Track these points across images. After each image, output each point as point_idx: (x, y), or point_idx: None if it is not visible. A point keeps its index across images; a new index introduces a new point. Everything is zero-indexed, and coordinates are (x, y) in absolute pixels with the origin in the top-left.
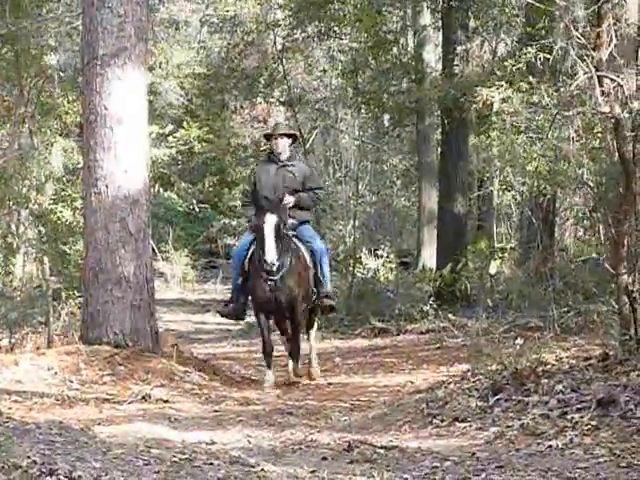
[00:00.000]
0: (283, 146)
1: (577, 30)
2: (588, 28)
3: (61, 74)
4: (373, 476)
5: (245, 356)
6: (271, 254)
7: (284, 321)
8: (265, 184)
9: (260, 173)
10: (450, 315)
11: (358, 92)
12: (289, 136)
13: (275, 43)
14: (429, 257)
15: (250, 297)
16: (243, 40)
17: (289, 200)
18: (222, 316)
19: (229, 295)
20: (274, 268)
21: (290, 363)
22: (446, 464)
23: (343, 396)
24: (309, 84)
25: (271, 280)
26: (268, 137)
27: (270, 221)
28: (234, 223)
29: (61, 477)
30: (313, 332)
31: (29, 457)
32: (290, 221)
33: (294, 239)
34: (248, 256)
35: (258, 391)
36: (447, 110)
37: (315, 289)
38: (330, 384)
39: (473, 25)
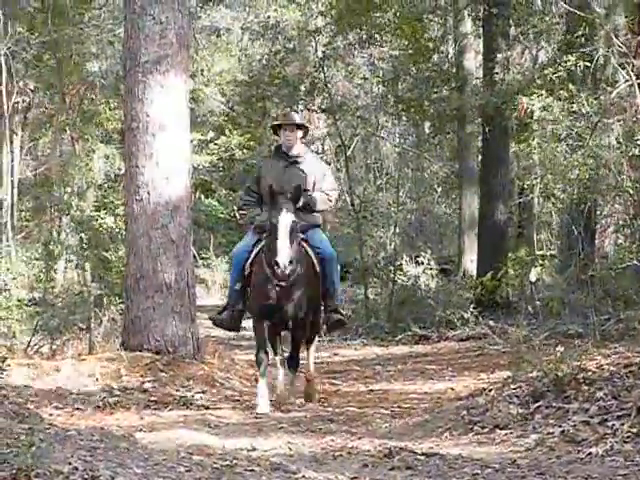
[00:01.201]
0: (293, 139)
1: (618, 38)
2: (629, 36)
3: (103, 81)
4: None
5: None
6: (284, 256)
7: (280, 330)
8: (273, 182)
9: (266, 170)
10: (491, 322)
11: (399, 99)
12: (300, 127)
13: (316, 50)
14: (470, 264)
15: (251, 302)
16: (284, 47)
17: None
18: (214, 324)
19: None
20: (287, 271)
21: (280, 374)
22: (487, 471)
23: (384, 403)
24: (350, 91)
25: (280, 286)
26: (276, 129)
27: (285, 221)
28: None
29: None
30: (313, 347)
31: (70, 463)
32: (303, 225)
33: (304, 244)
34: (251, 259)
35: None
36: (488, 117)
37: (322, 301)
38: (371, 391)
39: (514, 33)
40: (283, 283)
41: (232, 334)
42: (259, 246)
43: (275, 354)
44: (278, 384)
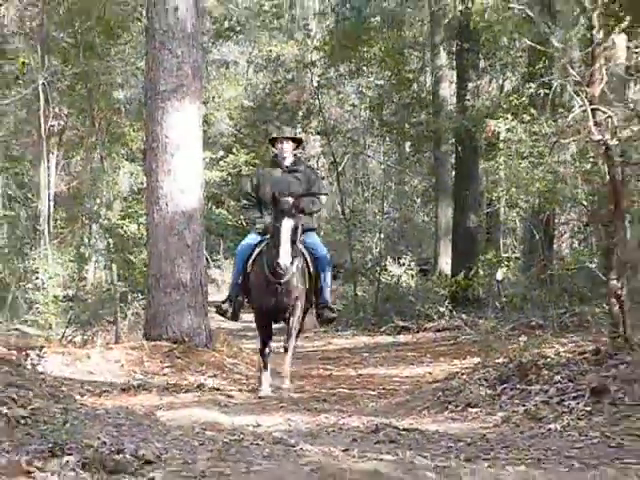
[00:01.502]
0: (288, 150)
1: (573, 69)
2: (583, 67)
3: (127, 107)
4: (397, 454)
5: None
6: (285, 258)
7: (276, 321)
8: (270, 189)
9: (265, 177)
10: (463, 315)
11: (383, 123)
12: (294, 140)
13: (312, 80)
14: (445, 265)
15: (251, 297)
16: (284, 78)
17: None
18: (217, 312)
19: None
20: (287, 272)
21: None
22: (460, 444)
23: (370, 385)
24: (341, 116)
25: (278, 284)
26: (273, 141)
27: (288, 226)
28: None
29: (127, 455)
30: (293, 344)
31: (99, 438)
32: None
33: (300, 245)
34: (252, 257)
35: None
36: (460, 138)
37: (315, 298)
38: (359, 375)
39: (483, 65)
40: (280, 280)
41: (239, 326)
42: (261, 246)
43: (265, 368)
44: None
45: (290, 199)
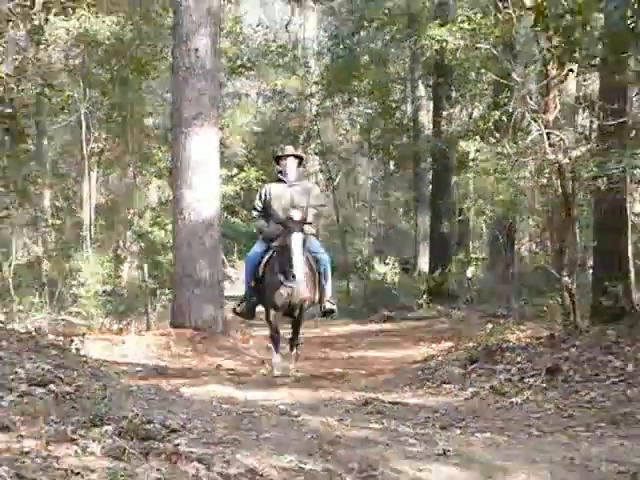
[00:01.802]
0: (291, 167)
1: (531, 99)
2: (539, 98)
3: (155, 132)
4: (383, 424)
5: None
6: (300, 271)
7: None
8: (277, 202)
9: (271, 192)
10: (438, 306)
11: (371, 145)
12: (296, 157)
13: (311, 109)
14: (423, 264)
15: (265, 298)
16: (287, 107)
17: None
18: (235, 314)
19: (242, 295)
20: (301, 284)
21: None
22: (436, 415)
23: (361, 366)
24: (336, 139)
25: (290, 286)
26: (278, 159)
27: (298, 241)
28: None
29: (156, 425)
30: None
31: (133, 410)
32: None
33: (305, 251)
34: (264, 263)
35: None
36: (436, 157)
37: (319, 294)
38: (351, 357)
39: (455, 95)
40: (293, 285)
41: None
42: (269, 253)
43: (276, 352)
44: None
45: (299, 214)
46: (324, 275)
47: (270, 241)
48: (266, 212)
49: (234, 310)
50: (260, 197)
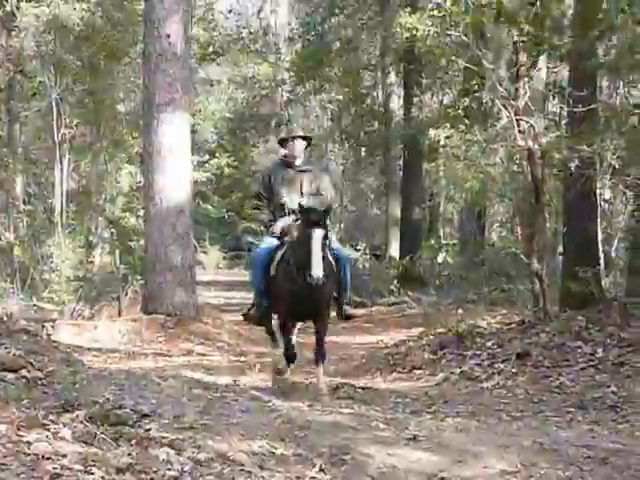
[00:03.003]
0: (299, 149)
1: (501, 86)
2: (509, 84)
3: (127, 118)
4: (354, 408)
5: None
6: (318, 270)
7: (302, 321)
8: (284, 189)
9: (276, 177)
10: (409, 292)
11: (342, 131)
12: (304, 138)
13: (282, 96)
14: (394, 250)
15: (279, 301)
16: (259, 93)
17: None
18: (246, 320)
19: (252, 299)
20: (320, 282)
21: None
22: (406, 400)
23: (332, 350)
24: (307, 126)
25: (308, 288)
26: (283, 141)
27: (318, 236)
28: (253, 226)
29: (127, 410)
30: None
31: (104, 396)
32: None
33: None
34: (276, 261)
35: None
36: (407, 144)
37: (337, 295)
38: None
39: (425, 82)
40: (313, 285)
41: (222, 301)
42: (282, 250)
43: (289, 359)
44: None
45: (313, 202)
46: (344, 276)
47: (280, 236)
48: (269, 201)
49: (244, 316)
50: (263, 183)
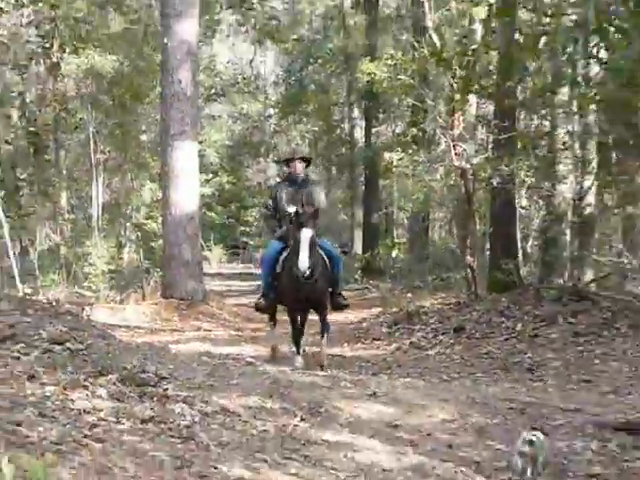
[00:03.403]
0: (301, 168)
1: (440, 118)
2: (447, 117)
3: (148, 145)
4: (327, 372)
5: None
6: (304, 264)
7: (307, 312)
8: (288, 200)
9: (282, 191)
10: (370, 280)
11: (318, 155)
12: (304, 160)
13: (270, 127)
14: (358, 248)
15: (284, 294)
16: (251, 126)
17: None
18: (257, 310)
19: (261, 292)
20: (306, 274)
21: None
22: (368, 364)
23: (308, 327)
24: (291, 152)
25: (307, 283)
26: (288, 160)
27: (306, 235)
28: (248, 229)
29: (150, 374)
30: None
31: (131, 363)
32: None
33: (319, 249)
34: (281, 260)
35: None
36: (367, 165)
37: (331, 288)
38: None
39: (382, 116)
40: (310, 279)
41: (224, 288)
42: (286, 252)
43: (298, 353)
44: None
45: (306, 210)
46: (336, 272)
47: (286, 240)
48: (275, 210)
49: (255, 306)
50: (272, 196)
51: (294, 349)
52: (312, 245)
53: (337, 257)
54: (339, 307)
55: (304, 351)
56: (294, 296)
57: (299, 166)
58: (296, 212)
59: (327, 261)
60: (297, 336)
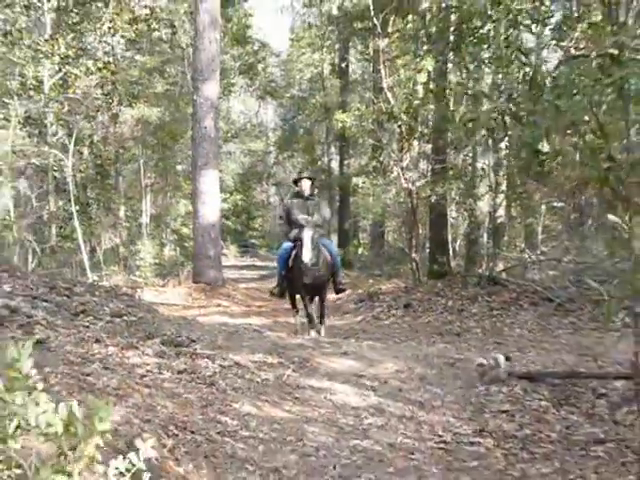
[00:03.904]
0: (307, 186)
1: (393, 154)
2: (398, 153)
3: (183, 173)
4: (311, 335)
5: (263, 288)
6: (307, 256)
7: (313, 298)
8: (297, 211)
9: (293, 204)
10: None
11: None
12: (310, 179)
13: (270, 160)
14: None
15: (295, 282)
16: (256, 159)
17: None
18: (271, 295)
19: (276, 282)
20: (309, 265)
21: (315, 324)
22: (341, 331)
23: (300, 305)
24: (284, 177)
25: (313, 271)
26: (297, 180)
27: (308, 234)
28: (254, 233)
29: (184, 338)
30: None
31: (170, 330)
32: (316, 235)
33: (322, 247)
34: (292, 256)
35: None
36: (341, 187)
37: (332, 278)
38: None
39: (351, 152)
40: (315, 270)
41: (237, 276)
42: (295, 249)
43: (310, 322)
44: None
45: (309, 218)
46: (337, 265)
47: (295, 240)
48: (289, 219)
49: (271, 292)
50: (285, 209)
51: (306, 324)
52: (314, 242)
53: (336, 252)
54: (339, 291)
55: (315, 324)
56: (302, 282)
57: (304, 184)
58: (303, 219)
59: (328, 256)
60: (309, 314)
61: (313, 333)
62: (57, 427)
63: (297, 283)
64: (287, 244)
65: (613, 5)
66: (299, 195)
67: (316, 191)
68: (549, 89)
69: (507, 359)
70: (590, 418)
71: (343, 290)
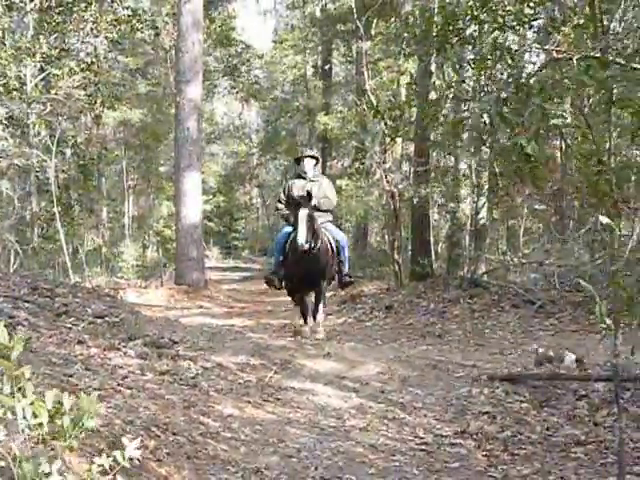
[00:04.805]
0: (309, 165)
1: (376, 155)
2: (381, 155)
3: (165, 175)
4: (294, 338)
5: (245, 289)
6: (302, 238)
7: (309, 291)
8: (297, 192)
9: (293, 185)
10: None
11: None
12: (313, 157)
13: (253, 162)
14: None
15: (289, 269)
16: (239, 161)
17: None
18: (266, 282)
19: (271, 268)
20: (304, 247)
21: (310, 321)
22: (326, 330)
23: (280, 305)
24: (267, 179)
25: (307, 255)
26: (299, 159)
27: (303, 213)
28: (236, 235)
29: (166, 339)
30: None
31: (152, 332)
32: (321, 220)
33: (324, 230)
34: (289, 241)
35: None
36: None
37: (338, 269)
38: (273, 302)
39: (334, 154)
40: (309, 254)
41: (220, 278)
42: (293, 234)
43: (305, 322)
44: (304, 332)
45: (304, 194)
46: (342, 253)
47: (293, 225)
48: (287, 202)
49: (266, 279)
50: (284, 191)
51: (302, 321)
52: (310, 222)
53: (342, 240)
54: (345, 285)
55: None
56: (296, 269)
57: (308, 163)
58: (294, 197)
59: (332, 243)
60: (304, 310)
61: (306, 330)
62: (42, 418)
63: (290, 268)
64: (287, 228)
65: (603, 14)
66: (301, 176)
67: (319, 171)
68: (536, 92)
69: (577, 361)
70: (570, 420)
71: (349, 283)
